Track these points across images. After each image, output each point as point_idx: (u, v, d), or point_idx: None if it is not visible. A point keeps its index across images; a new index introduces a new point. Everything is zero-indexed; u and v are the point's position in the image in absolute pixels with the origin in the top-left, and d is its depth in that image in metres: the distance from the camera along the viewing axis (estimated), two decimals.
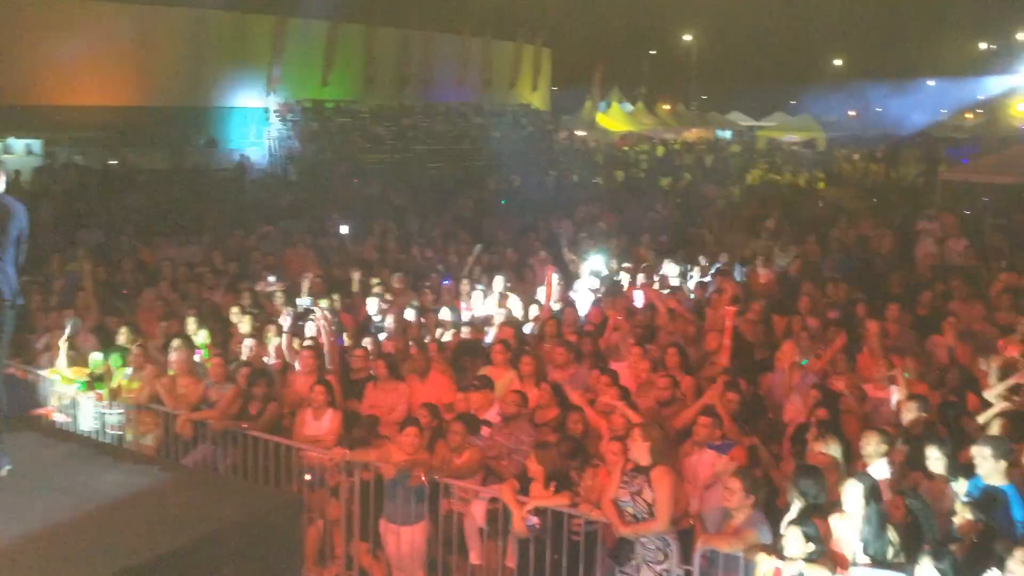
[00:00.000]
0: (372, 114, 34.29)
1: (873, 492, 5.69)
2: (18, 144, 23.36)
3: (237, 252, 14.05)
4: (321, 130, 31.73)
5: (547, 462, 6.43)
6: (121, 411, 8.41)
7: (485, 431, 7.55)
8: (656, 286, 11.68)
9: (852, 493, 5.67)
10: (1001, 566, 5.20)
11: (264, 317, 10.21)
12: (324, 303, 10.51)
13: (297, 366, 8.72)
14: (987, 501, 5.92)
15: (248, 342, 9.19)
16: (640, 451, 6.04)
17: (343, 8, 32.10)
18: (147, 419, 8.30)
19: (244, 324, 9.84)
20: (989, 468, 6.15)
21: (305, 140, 30.46)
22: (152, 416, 8.29)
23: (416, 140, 33.64)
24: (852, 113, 57.04)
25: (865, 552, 5.54)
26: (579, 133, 43.60)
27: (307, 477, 7.44)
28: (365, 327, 10.45)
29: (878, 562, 5.50)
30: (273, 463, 7.50)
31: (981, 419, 7.25)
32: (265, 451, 7.55)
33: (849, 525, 5.64)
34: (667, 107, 50.45)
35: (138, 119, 26.12)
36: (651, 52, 54.75)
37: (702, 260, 13.45)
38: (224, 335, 9.84)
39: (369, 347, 9.20)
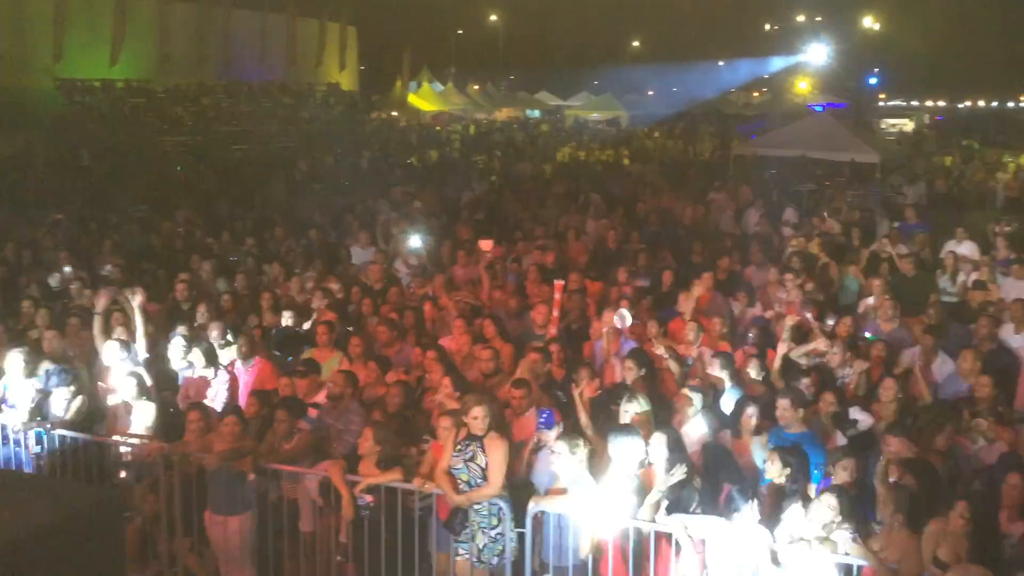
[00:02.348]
0: (168, 94, 32.56)
1: (676, 444, 6.07)
2: None
3: (28, 242, 13.03)
4: (113, 112, 29.81)
5: (382, 440, 6.42)
6: None
7: (313, 413, 7.42)
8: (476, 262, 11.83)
9: (657, 445, 6.03)
10: (806, 504, 5.71)
11: (62, 308, 9.54)
12: (128, 292, 9.94)
13: (106, 359, 8.21)
14: (789, 447, 6.48)
15: (48, 334, 8.55)
16: (474, 419, 6.15)
17: None
18: None
19: (41, 316, 9.15)
20: (789, 417, 6.74)
21: (96, 122, 28.52)
22: None
23: (218, 121, 32.21)
24: (651, 92, 59.73)
25: (669, 500, 5.89)
26: (391, 113, 43.26)
27: (123, 474, 7.06)
28: (175, 316, 9.97)
29: (678, 509, 5.86)
30: (84, 462, 7.06)
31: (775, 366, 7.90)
32: (74, 449, 7.10)
33: (657, 474, 6.00)
34: (477, 87, 50.94)
35: None
36: (459, 32, 55.05)
37: (517, 235, 13.73)
38: (17, 330, 9.11)
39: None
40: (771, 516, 5.73)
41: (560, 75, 52.75)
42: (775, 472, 6.18)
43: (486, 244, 12.40)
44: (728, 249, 12.61)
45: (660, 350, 8.23)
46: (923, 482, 5.70)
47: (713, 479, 6.15)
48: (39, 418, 7.34)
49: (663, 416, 7.06)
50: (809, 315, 8.99)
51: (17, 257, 12.23)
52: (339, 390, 7.34)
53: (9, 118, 25.84)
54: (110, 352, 8.11)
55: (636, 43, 62.23)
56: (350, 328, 9.14)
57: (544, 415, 6.58)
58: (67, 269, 11.14)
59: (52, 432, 7.20)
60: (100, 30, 31.70)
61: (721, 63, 58.33)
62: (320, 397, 7.51)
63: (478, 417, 6.15)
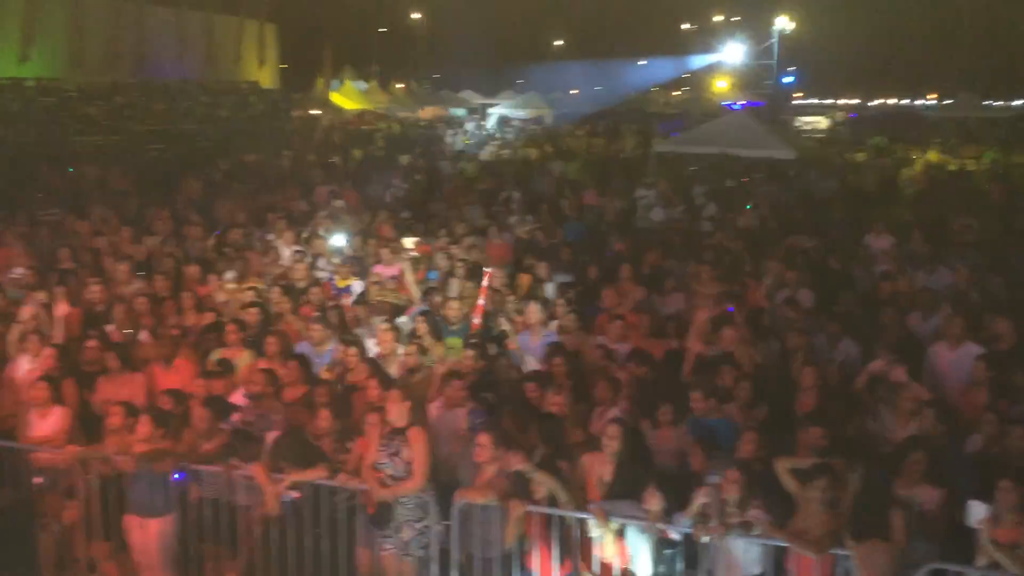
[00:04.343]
0: (81, 93, 31.59)
1: (628, 435, 6.23)
2: None
3: None
4: (22, 111, 28.80)
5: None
6: None
7: (236, 415, 7.34)
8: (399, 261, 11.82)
9: (611, 434, 6.17)
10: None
11: None
12: (39, 296, 9.66)
13: (18, 364, 7.99)
14: (705, 434, 6.73)
15: None
16: (399, 412, 6.18)
17: None
18: None
19: None
20: (702, 408, 6.99)
21: (4, 122, 27.51)
22: None
23: (133, 120, 31.38)
24: (574, 91, 60.31)
25: (618, 487, 6.04)
26: (312, 112, 42.76)
27: (37, 480, 6.88)
28: (93, 318, 9.72)
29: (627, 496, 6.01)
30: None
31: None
32: None
33: (604, 462, 6.13)
34: (401, 85, 50.72)
35: None
36: (381, 30, 54.70)
37: (442, 233, 13.76)
38: None
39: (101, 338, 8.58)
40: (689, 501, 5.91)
41: (484, 74, 52.87)
42: (698, 461, 6.40)
43: (409, 242, 12.42)
44: (653, 244, 12.87)
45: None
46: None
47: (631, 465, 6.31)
48: None
49: (582, 408, 7.23)
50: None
51: None
52: (259, 389, 7.28)
53: None
54: (26, 358, 7.90)
55: (559, 42, 62.73)
56: (269, 327, 9.05)
57: (477, 417, 6.68)
58: None
59: None
60: (8, 26, 30.60)
61: (643, 62, 59.23)
62: (236, 396, 7.44)
63: (401, 409, 6.18)
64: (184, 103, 34.57)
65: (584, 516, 5.98)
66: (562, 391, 7.13)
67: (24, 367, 8.07)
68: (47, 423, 7.16)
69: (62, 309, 8.41)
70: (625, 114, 47.51)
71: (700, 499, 5.75)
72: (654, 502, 5.81)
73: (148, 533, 6.55)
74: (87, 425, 7.27)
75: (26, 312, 8.53)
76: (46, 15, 31.54)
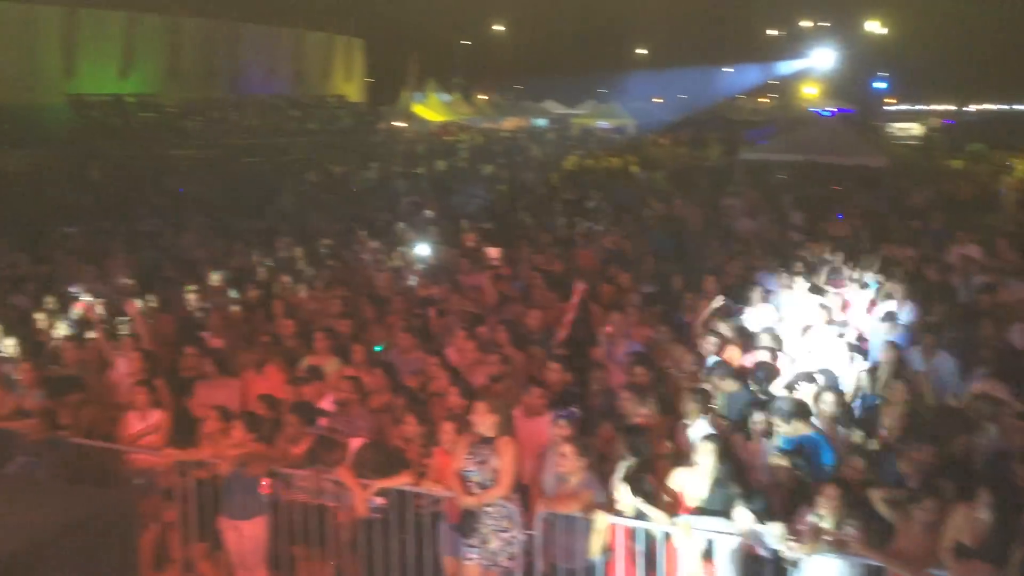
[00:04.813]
0: (178, 108, 32.81)
1: (725, 452, 6.14)
2: None
3: (45, 255, 13.17)
4: (124, 126, 30.06)
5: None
6: None
7: (323, 421, 7.50)
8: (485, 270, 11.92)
9: (706, 451, 6.08)
10: (813, 504, 5.76)
11: (80, 320, 9.68)
12: (140, 303, 10.10)
13: (118, 368, 8.33)
14: (801, 448, 6.54)
15: (66, 345, 8.68)
16: (486, 423, 6.21)
17: None
18: None
19: (58, 328, 9.28)
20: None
21: (107, 137, 28.75)
22: None
23: (227, 134, 32.45)
24: (658, 99, 59.85)
25: (710, 504, 5.95)
26: (398, 124, 43.45)
27: (137, 481, 7.15)
28: (188, 325, 10.09)
29: (718, 512, 5.92)
30: (100, 470, 7.15)
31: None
32: (90, 459, 7.19)
33: (697, 479, 6.05)
34: (484, 96, 51.13)
35: None
36: (465, 42, 55.29)
37: (525, 243, 13.82)
38: (34, 341, 9.24)
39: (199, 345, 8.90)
40: (783, 517, 5.78)
41: (566, 83, 52.88)
42: (783, 474, 6.26)
43: (492, 252, 12.50)
44: (739, 254, 12.67)
45: (673, 354, 8.34)
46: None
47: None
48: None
49: (669, 420, 7.14)
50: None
51: (31, 271, 12.36)
52: (347, 396, 7.42)
53: (19, 134, 26.11)
54: (124, 362, 8.23)
55: (642, 50, 62.37)
56: (359, 334, 9.22)
57: (562, 427, 6.67)
58: (78, 285, 11.23)
59: (68, 440, 7.30)
60: (110, 45, 31.99)
61: (728, 69, 58.42)
62: (325, 402, 7.60)
63: (490, 420, 6.21)
64: (275, 117, 35.56)
65: (671, 530, 5.91)
66: (647, 402, 7.06)
67: (123, 371, 8.40)
68: (147, 426, 7.43)
69: (159, 316, 8.73)
70: (710, 122, 46.95)
71: (803, 517, 5.62)
72: (743, 518, 5.70)
73: (241, 535, 6.74)
74: (185, 428, 7.53)
75: (126, 318, 8.89)
76: (145, 34, 32.88)
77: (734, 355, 8.50)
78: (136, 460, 7.24)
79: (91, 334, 8.95)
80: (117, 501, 5.13)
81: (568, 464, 6.19)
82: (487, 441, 6.23)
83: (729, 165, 27.39)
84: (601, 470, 6.41)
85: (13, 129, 26.18)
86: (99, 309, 9.50)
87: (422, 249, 13.30)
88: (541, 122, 50.48)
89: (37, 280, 11.73)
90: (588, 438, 6.69)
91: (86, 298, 9.98)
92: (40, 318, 9.85)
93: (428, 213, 17.25)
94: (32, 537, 4.40)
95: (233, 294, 11.08)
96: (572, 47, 53.94)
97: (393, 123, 43.48)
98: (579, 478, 6.21)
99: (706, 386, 7.60)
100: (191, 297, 10.53)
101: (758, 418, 6.97)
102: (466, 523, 6.23)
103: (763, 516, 5.74)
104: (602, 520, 5.94)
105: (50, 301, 10.36)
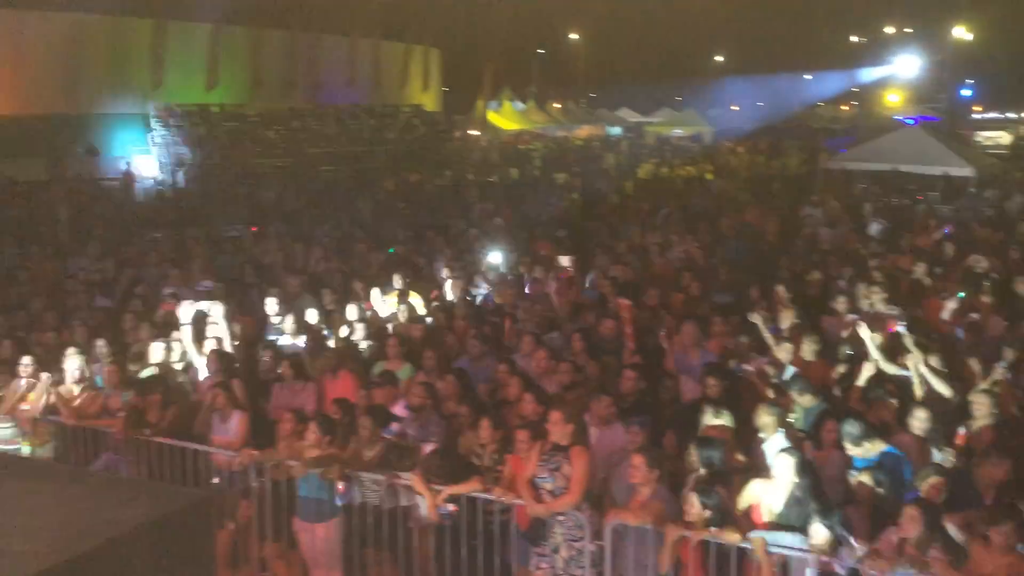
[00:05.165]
0: (260, 118, 33.65)
1: (802, 466, 6.01)
2: None
3: (130, 260, 13.64)
4: (208, 135, 30.96)
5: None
6: (11, 424, 8.09)
7: (396, 426, 7.58)
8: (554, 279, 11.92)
9: (783, 465, 5.96)
10: (894, 523, 5.59)
11: (164, 324, 9.98)
12: (220, 307, 10.38)
13: (202, 370, 8.57)
14: (882, 465, 6.35)
15: (152, 347, 8.98)
16: (561, 432, 6.19)
17: (226, 11, 31.41)
18: (43, 431, 8.02)
19: (143, 330, 9.60)
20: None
21: (192, 146, 29.66)
22: (48, 428, 8.01)
23: (307, 143, 33.16)
24: (735, 107, 59.02)
25: (786, 519, 5.83)
26: (472, 132, 43.78)
27: (215, 480, 7.33)
28: (265, 329, 10.32)
29: (794, 527, 5.79)
30: (180, 468, 7.36)
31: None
32: (171, 457, 7.41)
33: (772, 493, 5.94)
34: (558, 105, 51.17)
35: (13, 128, 24.99)
36: (539, 51, 55.41)
37: (598, 251, 13.78)
38: (119, 343, 9.57)
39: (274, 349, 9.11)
40: (862, 534, 5.62)
41: (641, 91, 52.56)
42: (865, 491, 6.08)
43: (565, 260, 12.49)
44: (818, 264, 12.42)
45: (750, 366, 8.20)
46: None
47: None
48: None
49: (744, 432, 7.01)
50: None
51: (118, 274, 12.80)
52: (420, 401, 7.48)
53: (113, 141, 27.16)
54: (204, 363, 8.46)
55: (719, 57, 61.61)
56: (429, 341, 9.30)
57: (637, 421, 6.61)
58: (168, 290, 11.57)
59: (151, 439, 7.53)
60: (196, 57, 33.01)
61: (808, 76, 57.28)
62: (396, 408, 7.68)
63: (565, 428, 6.19)
64: (353, 126, 36.19)
65: (744, 545, 5.79)
66: (721, 414, 6.95)
67: (205, 373, 8.64)
68: (227, 426, 7.63)
69: (239, 319, 8.95)
70: (789, 130, 46.10)
71: (884, 535, 5.46)
72: (820, 534, 5.56)
73: (315, 536, 6.85)
74: (263, 430, 7.69)
75: (208, 320, 9.14)
76: (230, 46, 33.83)
77: (813, 367, 8.31)
78: (215, 459, 7.43)
79: (174, 336, 9.22)
80: (196, 499, 5.26)
81: (639, 474, 6.13)
82: (560, 449, 6.21)
83: (808, 174, 26.86)
84: (671, 481, 6.34)
85: (105, 137, 27.23)
86: (183, 312, 9.77)
87: (494, 257, 13.35)
88: (615, 130, 50.27)
89: (124, 283, 12.14)
90: (659, 448, 6.62)
91: (171, 301, 10.29)
92: (127, 320, 10.19)
93: (499, 221, 17.33)
94: (114, 533, 4.54)
95: (310, 299, 11.29)
96: (648, 55, 53.54)
97: (468, 132, 43.83)
98: (650, 489, 6.14)
99: (783, 399, 7.45)
100: (269, 301, 10.76)
101: (832, 426, 6.78)
102: (536, 531, 6.22)
103: (841, 533, 5.59)
104: (674, 532, 5.86)
105: (137, 304, 10.72)
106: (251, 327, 10.30)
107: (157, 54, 31.28)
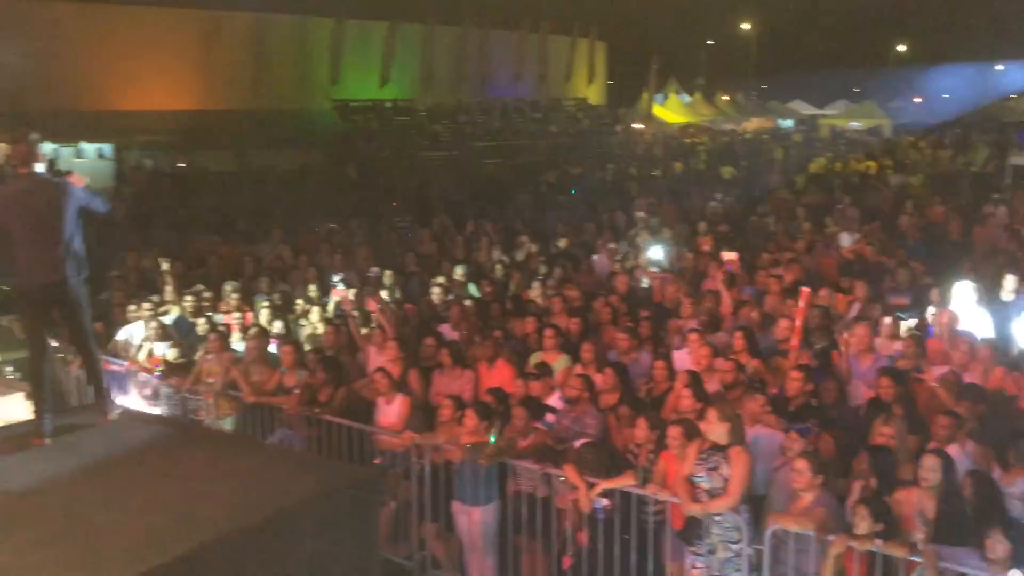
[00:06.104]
0: (429, 112, 34.63)
1: (951, 470, 5.68)
2: (90, 148, 24.01)
3: (306, 248, 14.36)
4: (380, 130, 32.15)
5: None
6: (199, 397, 8.71)
7: (551, 417, 7.65)
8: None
9: (931, 469, 5.65)
10: None
11: (337, 307, 10.50)
12: (387, 294, 10.82)
13: (368, 353, 8.95)
14: None
15: (325, 331, 9.46)
16: (718, 431, 6.07)
17: (401, 9, 32.51)
18: (225, 404, 8.59)
19: (313, 313, 10.11)
20: None
21: (366, 140, 30.90)
22: (230, 402, 8.57)
23: (473, 137, 33.87)
24: (917, 99, 55.68)
25: (940, 528, 5.51)
26: (636, 126, 43.37)
27: (377, 460, 7.63)
28: (430, 317, 10.64)
29: (950, 537, 5.47)
30: (347, 447, 7.71)
31: None
32: (339, 435, 7.77)
33: (926, 501, 5.63)
34: (726, 97, 49.85)
35: (204, 122, 26.79)
36: (708, 42, 54.18)
37: (765, 248, 13.38)
38: (295, 325, 10.13)
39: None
40: None
41: (816, 82, 50.42)
42: None
43: (729, 256, 12.19)
44: (1003, 266, 11.57)
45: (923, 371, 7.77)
46: None
47: (980, 511, 5.70)
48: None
49: (916, 441, 6.63)
50: None
51: (295, 262, 13.50)
52: (576, 393, 7.50)
53: (292, 136, 28.66)
54: (373, 349, 8.83)
55: (901, 46, 58.23)
56: (588, 333, 9.31)
57: (802, 426, 6.40)
58: (336, 278, 12.10)
59: (321, 417, 7.92)
60: (372, 55, 34.33)
61: (999, 66, 53.31)
62: (552, 399, 7.73)
63: (723, 427, 6.05)
64: (517, 120, 36.65)
65: (915, 559, 5.48)
66: (892, 421, 6.60)
67: (373, 357, 8.99)
68: (390, 409, 7.92)
69: (404, 307, 9.27)
70: (977, 124, 43.06)
71: None
72: (999, 549, 5.18)
73: (471, 520, 7.02)
74: (424, 414, 7.94)
75: (370, 306, 9.51)
76: (403, 42, 34.97)
77: (993, 376, 7.76)
78: (379, 440, 7.72)
79: (345, 320, 9.65)
80: (363, 476, 5.51)
81: (802, 480, 5.92)
82: (719, 448, 6.08)
83: (997, 170, 25.03)
84: (834, 488, 6.10)
85: (286, 132, 28.79)
86: (352, 298, 10.23)
87: (655, 251, 13.20)
88: (787, 123, 48.54)
89: (299, 270, 12.80)
90: (822, 453, 6.35)
91: (341, 287, 10.78)
92: (301, 304, 10.76)
93: (661, 215, 17.10)
94: (285, 504, 4.82)
95: (472, 289, 11.55)
96: (823, 44, 51.27)
97: (632, 125, 43.45)
98: (813, 495, 5.92)
99: (960, 408, 6.98)
100: (434, 290, 11.09)
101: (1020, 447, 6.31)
102: (690, 531, 6.11)
103: (1020, 550, 5.20)
104: (840, 543, 5.61)
105: (311, 289, 11.28)
106: (413, 315, 10.64)
107: (336, 51, 32.74)
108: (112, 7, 26.64)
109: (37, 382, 5.99)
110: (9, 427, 6.26)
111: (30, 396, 6.25)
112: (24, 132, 5.78)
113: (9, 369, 9.22)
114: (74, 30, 25.41)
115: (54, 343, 6.83)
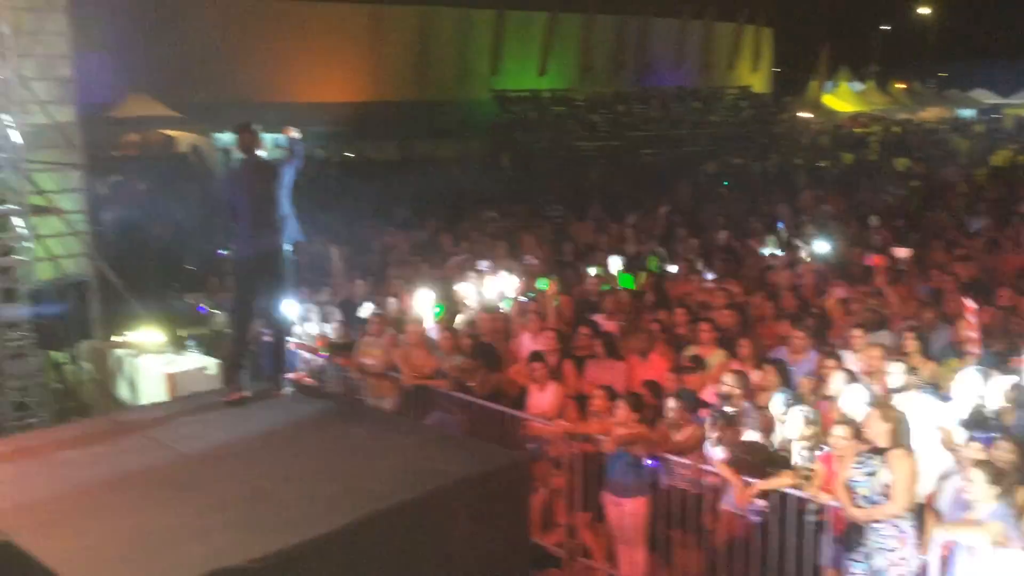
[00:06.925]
0: (587, 102, 34.58)
1: None
2: (267, 138, 25.30)
3: (465, 235, 14.68)
4: (538, 120, 32.38)
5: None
6: (361, 377, 9.08)
7: (705, 412, 7.51)
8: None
9: None
10: None
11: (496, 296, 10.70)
12: (542, 284, 10.89)
13: (523, 341, 9.08)
14: None
15: (482, 316, 9.67)
16: (878, 432, 5.80)
17: None
18: (385, 385, 8.91)
19: (471, 300, 10.34)
20: None
21: (524, 130, 31.20)
22: (390, 383, 8.90)
23: (631, 127, 33.59)
24: None
25: None
26: (803, 115, 41.75)
27: (530, 447, 7.72)
28: (585, 307, 10.66)
29: None
30: (499, 432, 7.84)
31: None
32: (491, 420, 7.91)
33: None
34: (901, 85, 47.17)
35: (371, 113, 27.80)
36: (883, 28, 51.42)
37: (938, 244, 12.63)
38: (453, 311, 10.38)
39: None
40: None
41: (1001, 69, 46.90)
42: None
43: (901, 252, 11.60)
44: None
45: None
46: None
47: None
48: None
49: None
50: None
51: (453, 249, 13.82)
52: (730, 389, 7.34)
53: (452, 127, 29.34)
54: (528, 336, 8.95)
55: None
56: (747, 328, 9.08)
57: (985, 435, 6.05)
58: (483, 264, 12.26)
59: (475, 401, 8.10)
60: (531, 45, 34.61)
61: None
62: (705, 393, 7.59)
63: (885, 428, 5.78)
64: (677, 109, 36.06)
65: None
66: None
67: (526, 344, 9.10)
68: (543, 397, 8.01)
69: (560, 297, 9.33)
70: None
71: None
72: None
73: (622, 511, 7.00)
74: (577, 404, 7.97)
75: (520, 293, 9.64)
76: (562, 32, 35.08)
77: None
78: (531, 427, 7.82)
79: (503, 307, 9.82)
80: (515, 461, 5.59)
81: (976, 490, 5.57)
82: (878, 452, 5.81)
83: None
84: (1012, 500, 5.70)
85: (447, 122, 29.49)
86: (511, 286, 10.39)
87: (822, 246, 12.71)
88: (968, 113, 45.47)
89: (459, 256, 13.09)
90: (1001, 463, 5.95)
91: (500, 275, 10.96)
92: (459, 290, 11.00)
93: (828, 208, 16.45)
94: (443, 483, 4.97)
95: (627, 280, 11.48)
96: (1012, 27, 47.61)
97: (798, 114, 41.86)
98: (989, 508, 5.56)
99: None
100: (591, 280, 11.10)
101: None
102: (851, 536, 5.87)
103: None
104: (1017, 559, 5.25)
105: (466, 276, 11.52)
106: (568, 305, 10.68)
107: (496, 42, 33.21)
108: (286, 3, 28.01)
109: (239, 344, 6.61)
110: (192, 397, 6.74)
111: (227, 358, 6.90)
112: (247, 123, 6.67)
113: (192, 343, 9.93)
114: (250, 25, 26.88)
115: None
